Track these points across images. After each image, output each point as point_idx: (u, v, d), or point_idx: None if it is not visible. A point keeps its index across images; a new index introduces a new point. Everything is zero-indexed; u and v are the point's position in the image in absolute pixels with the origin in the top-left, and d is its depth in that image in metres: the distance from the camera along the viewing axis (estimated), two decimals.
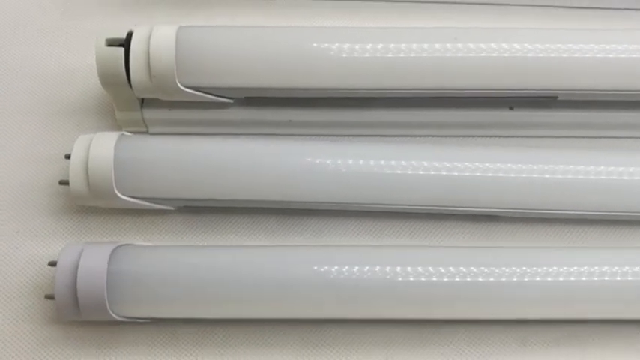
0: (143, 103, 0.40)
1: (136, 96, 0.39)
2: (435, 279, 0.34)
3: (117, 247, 0.35)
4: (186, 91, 0.38)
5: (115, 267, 0.34)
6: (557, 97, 0.39)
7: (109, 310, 0.34)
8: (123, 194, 0.37)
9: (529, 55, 0.38)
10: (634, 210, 0.38)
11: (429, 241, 0.39)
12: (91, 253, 0.34)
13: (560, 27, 0.44)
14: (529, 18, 0.46)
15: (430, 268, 0.34)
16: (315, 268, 0.34)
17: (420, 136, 0.41)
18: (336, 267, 0.34)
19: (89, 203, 0.38)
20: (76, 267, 0.34)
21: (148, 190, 0.37)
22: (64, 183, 0.37)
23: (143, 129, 0.41)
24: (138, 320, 0.36)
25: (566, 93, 0.39)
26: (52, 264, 0.35)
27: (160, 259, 0.35)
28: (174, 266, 0.35)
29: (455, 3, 0.47)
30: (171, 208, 0.39)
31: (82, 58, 0.44)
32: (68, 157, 0.37)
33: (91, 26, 0.45)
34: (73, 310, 0.35)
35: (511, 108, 0.41)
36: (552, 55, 0.38)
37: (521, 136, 0.41)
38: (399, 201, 0.37)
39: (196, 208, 0.39)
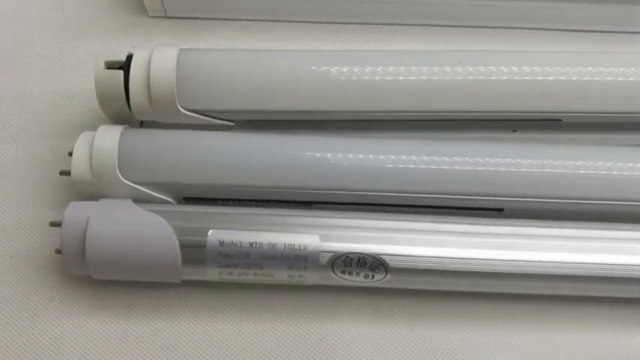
0: (142, 125, 0.40)
1: (135, 119, 0.39)
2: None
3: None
4: (187, 114, 0.37)
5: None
6: (561, 119, 0.39)
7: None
8: (126, 179, 0.36)
9: (533, 77, 0.37)
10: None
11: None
12: None
13: (565, 49, 0.44)
14: (533, 40, 0.46)
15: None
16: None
17: None
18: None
19: (90, 189, 0.37)
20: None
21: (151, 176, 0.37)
22: (65, 173, 0.37)
23: None
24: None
25: (571, 115, 0.38)
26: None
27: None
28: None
29: (458, 26, 0.46)
30: (173, 202, 0.38)
31: (81, 81, 0.44)
32: (71, 154, 0.37)
33: (91, 48, 0.45)
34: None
35: (514, 130, 0.40)
36: (556, 77, 0.37)
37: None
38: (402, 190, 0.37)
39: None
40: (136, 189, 0.37)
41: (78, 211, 0.36)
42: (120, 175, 0.36)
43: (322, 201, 0.37)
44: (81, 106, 0.43)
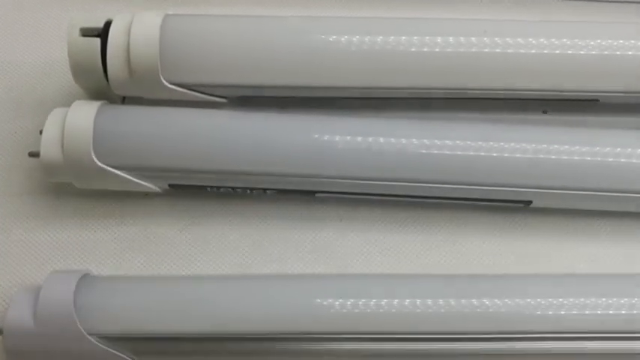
0: (124, 102, 0.37)
1: (115, 94, 0.36)
2: None
3: None
4: (172, 89, 0.35)
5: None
6: (598, 100, 0.36)
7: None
8: (102, 163, 0.34)
9: (567, 51, 0.35)
10: None
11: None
12: None
13: (605, 21, 0.41)
14: (569, 11, 0.43)
15: None
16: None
17: None
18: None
19: (62, 178, 0.35)
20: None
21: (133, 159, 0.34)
22: (35, 155, 0.35)
23: None
24: None
25: (609, 96, 0.36)
26: None
27: None
28: None
29: None
30: (158, 189, 0.36)
31: (60, 52, 0.40)
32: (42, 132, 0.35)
33: (72, 15, 0.40)
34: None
35: (544, 112, 0.38)
36: (594, 51, 0.35)
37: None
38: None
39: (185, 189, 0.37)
40: (114, 174, 0.34)
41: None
42: (95, 158, 0.34)
43: (326, 190, 0.35)
44: (60, 79, 0.41)
